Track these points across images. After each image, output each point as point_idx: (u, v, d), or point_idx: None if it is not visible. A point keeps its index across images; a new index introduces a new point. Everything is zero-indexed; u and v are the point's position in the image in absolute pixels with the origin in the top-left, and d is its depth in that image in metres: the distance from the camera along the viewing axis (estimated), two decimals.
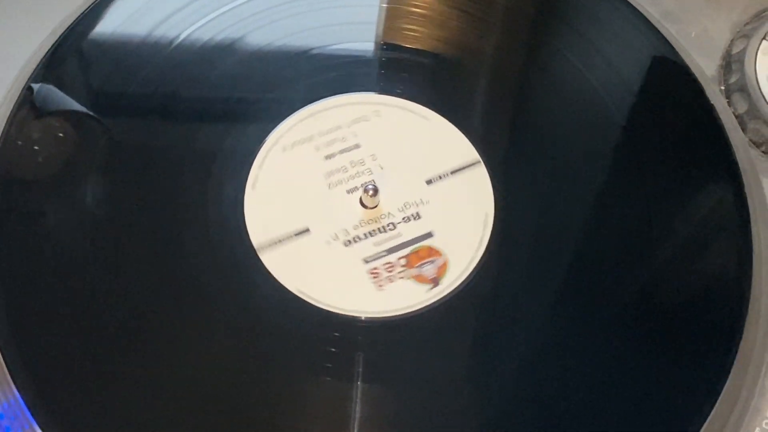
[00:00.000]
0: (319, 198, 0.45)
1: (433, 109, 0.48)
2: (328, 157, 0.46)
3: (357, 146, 0.47)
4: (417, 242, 0.44)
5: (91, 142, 0.45)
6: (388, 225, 0.44)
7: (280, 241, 0.44)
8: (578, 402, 0.40)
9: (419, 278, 0.43)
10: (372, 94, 0.48)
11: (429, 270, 0.43)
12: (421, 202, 0.45)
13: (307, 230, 0.44)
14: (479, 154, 0.47)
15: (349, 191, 0.45)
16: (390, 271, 0.43)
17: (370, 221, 0.44)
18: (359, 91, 0.48)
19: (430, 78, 0.50)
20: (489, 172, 0.46)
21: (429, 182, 0.46)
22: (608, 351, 0.41)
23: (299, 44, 0.49)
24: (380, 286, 0.43)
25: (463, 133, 0.47)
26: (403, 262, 0.43)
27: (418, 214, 0.45)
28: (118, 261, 0.42)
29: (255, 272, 0.42)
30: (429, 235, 0.44)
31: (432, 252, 0.44)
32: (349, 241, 0.44)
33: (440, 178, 0.46)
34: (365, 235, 0.44)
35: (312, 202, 0.45)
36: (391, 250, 0.44)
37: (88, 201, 0.44)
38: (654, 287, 0.43)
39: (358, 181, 0.46)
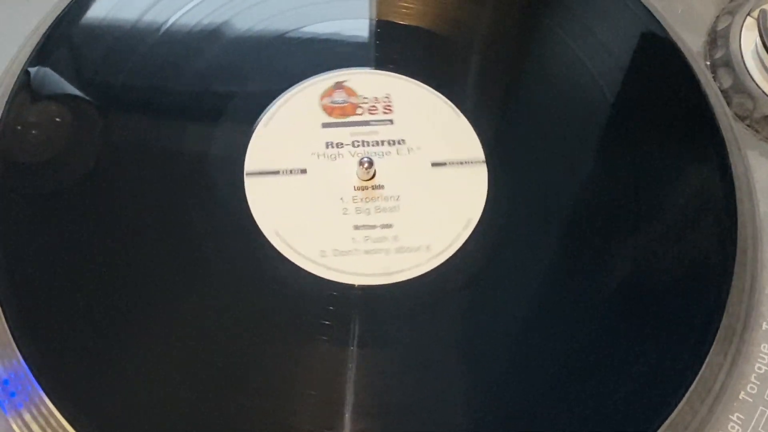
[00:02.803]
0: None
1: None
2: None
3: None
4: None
5: (88, 126, 0.46)
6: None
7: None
8: (566, 371, 0.41)
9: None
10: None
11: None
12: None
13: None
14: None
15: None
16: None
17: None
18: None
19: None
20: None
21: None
22: (595, 323, 0.42)
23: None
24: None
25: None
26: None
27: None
28: (118, 228, 0.42)
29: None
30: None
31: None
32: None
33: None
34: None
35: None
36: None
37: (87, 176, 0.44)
38: (641, 258, 0.44)
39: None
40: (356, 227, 0.44)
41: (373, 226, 0.44)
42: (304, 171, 0.46)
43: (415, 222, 0.45)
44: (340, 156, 0.46)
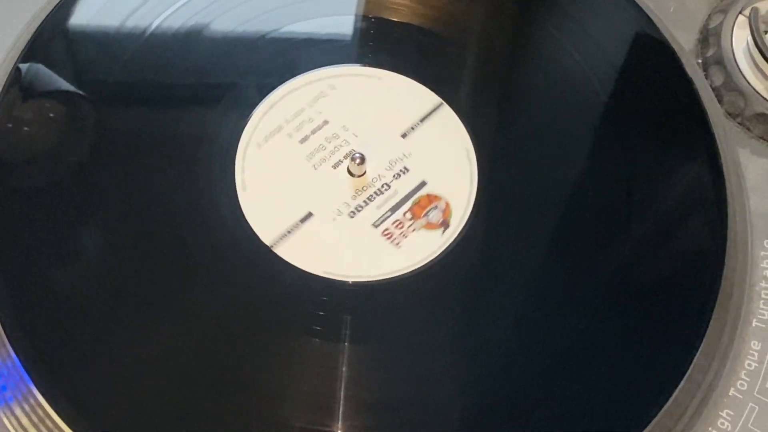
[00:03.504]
0: (309, 180, 0.46)
1: (386, 68, 0.49)
2: (303, 140, 0.47)
3: (326, 122, 0.47)
4: (415, 193, 0.45)
5: (82, 121, 0.45)
6: (382, 186, 0.45)
7: (288, 232, 0.44)
8: (557, 367, 0.41)
9: (429, 226, 0.44)
10: (320, 70, 0.49)
11: (435, 215, 0.45)
12: (404, 156, 0.46)
13: (310, 214, 0.45)
14: (440, 97, 0.48)
15: (334, 166, 0.46)
16: (401, 228, 0.44)
17: (364, 188, 0.45)
18: (306, 71, 0.49)
19: (370, 38, 0.50)
20: (455, 111, 0.48)
21: (404, 136, 0.47)
22: (585, 319, 0.42)
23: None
24: (397, 244, 0.44)
25: (419, 82, 0.48)
26: (409, 216, 0.45)
27: (405, 168, 0.46)
28: (110, 222, 0.43)
29: (277, 265, 0.43)
30: (423, 184, 0.46)
31: (432, 198, 0.45)
32: (353, 212, 0.45)
33: (412, 129, 0.47)
34: (365, 201, 0.45)
35: (304, 186, 0.45)
36: (394, 209, 0.45)
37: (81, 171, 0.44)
38: (632, 254, 0.44)
39: (339, 154, 0.46)
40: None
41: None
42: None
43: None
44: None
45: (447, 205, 0.45)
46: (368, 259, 0.43)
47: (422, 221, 0.44)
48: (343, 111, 0.47)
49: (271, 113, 0.47)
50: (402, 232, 0.44)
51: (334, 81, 0.48)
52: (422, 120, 0.47)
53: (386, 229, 0.44)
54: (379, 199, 0.45)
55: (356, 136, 0.47)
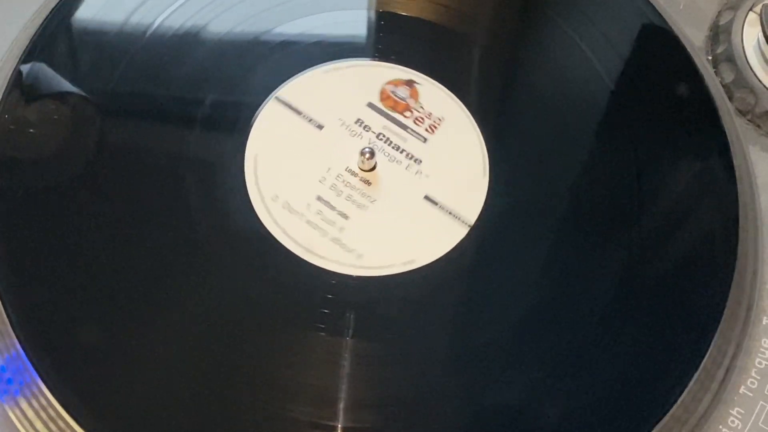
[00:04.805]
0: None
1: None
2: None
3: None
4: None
5: (86, 122, 0.45)
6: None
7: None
8: (566, 364, 0.41)
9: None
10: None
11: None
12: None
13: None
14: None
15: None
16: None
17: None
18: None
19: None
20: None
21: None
22: (595, 315, 0.42)
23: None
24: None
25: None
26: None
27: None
28: (113, 219, 0.42)
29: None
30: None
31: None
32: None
33: None
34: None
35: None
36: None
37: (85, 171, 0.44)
38: (642, 251, 0.44)
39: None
40: (319, 198, 0.44)
41: (333, 208, 0.44)
42: (320, 126, 0.46)
43: (365, 229, 0.44)
44: (359, 137, 0.46)
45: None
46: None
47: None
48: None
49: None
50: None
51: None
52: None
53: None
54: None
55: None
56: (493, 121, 0.48)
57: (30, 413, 0.38)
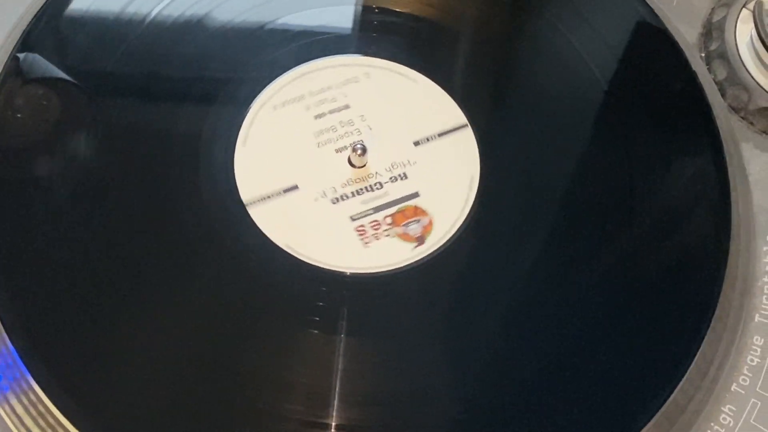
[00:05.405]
0: (309, 156, 0.45)
1: (422, 72, 0.48)
2: (318, 116, 0.47)
3: (347, 107, 0.47)
4: (403, 201, 0.45)
5: (76, 110, 0.45)
6: (375, 184, 0.45)
7: (268, 197, 0.44)
8: (557, 361, 0.41)
9: (404, 237, 0.44)
10: (362, 56, 0.49)
11: (414, 229, 0.44)
12: (408, 162, 0.46)
13: (295, 187, 0.44)
14: (466, 118, 0.47)
15: (338, 150, 0.46)
16: (376, 229, 0.44)
17: (358, 180, 0.45)
18: (350, 53, 0.49)
19: (420, 41, 0.50)
20: (476, 136, 0.47)
21: (416, 144, 0.47)
22: (587, 313, 0.42)
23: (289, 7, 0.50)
24: (366, 243, 0.43)
25: (451, 96, 0.48)
26: (389, 220, 0.44)
27: (405, 174, 0.45)
28: (108, 217, 0.42)
29: (244, 227, 0.43)
30: (415, 195, 0.45)
31: (418, 211, 0.44)
32: (337, 199, 0.44)
33: (428, 140, 0.47)
34: (353, 193, 0.45)
35: (301, 160, 0.45)
36: (377, 209, 0.44)
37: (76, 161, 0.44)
38: (634, 248, 0.44)
39: (347, 141, 0.46)
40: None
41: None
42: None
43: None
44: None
45: (430, 222, 0.44)
46: (330, 247, 0.43)
47: (399, 230, 0.44)
48: (367, 101, 0.47)
49: (299, 81, 0.47)
50: (375, 234, 0.44)
51: (372, 71, 0.48)
52: (441, 135, 0.47)
53: (361, 226, 0.44)
54: (367, 195, 0.45)
55: (370, 129, 0.46)
56: (486, 120, 0.48)
57: (19, 409, 0.38)
